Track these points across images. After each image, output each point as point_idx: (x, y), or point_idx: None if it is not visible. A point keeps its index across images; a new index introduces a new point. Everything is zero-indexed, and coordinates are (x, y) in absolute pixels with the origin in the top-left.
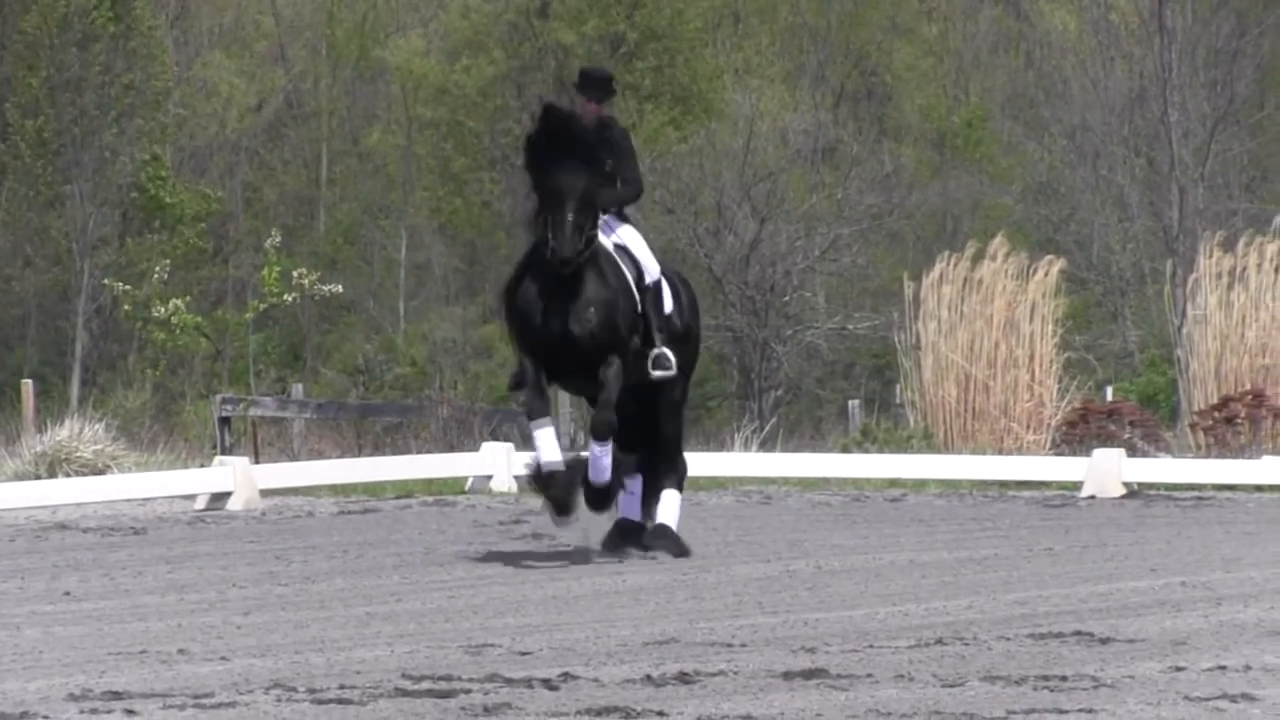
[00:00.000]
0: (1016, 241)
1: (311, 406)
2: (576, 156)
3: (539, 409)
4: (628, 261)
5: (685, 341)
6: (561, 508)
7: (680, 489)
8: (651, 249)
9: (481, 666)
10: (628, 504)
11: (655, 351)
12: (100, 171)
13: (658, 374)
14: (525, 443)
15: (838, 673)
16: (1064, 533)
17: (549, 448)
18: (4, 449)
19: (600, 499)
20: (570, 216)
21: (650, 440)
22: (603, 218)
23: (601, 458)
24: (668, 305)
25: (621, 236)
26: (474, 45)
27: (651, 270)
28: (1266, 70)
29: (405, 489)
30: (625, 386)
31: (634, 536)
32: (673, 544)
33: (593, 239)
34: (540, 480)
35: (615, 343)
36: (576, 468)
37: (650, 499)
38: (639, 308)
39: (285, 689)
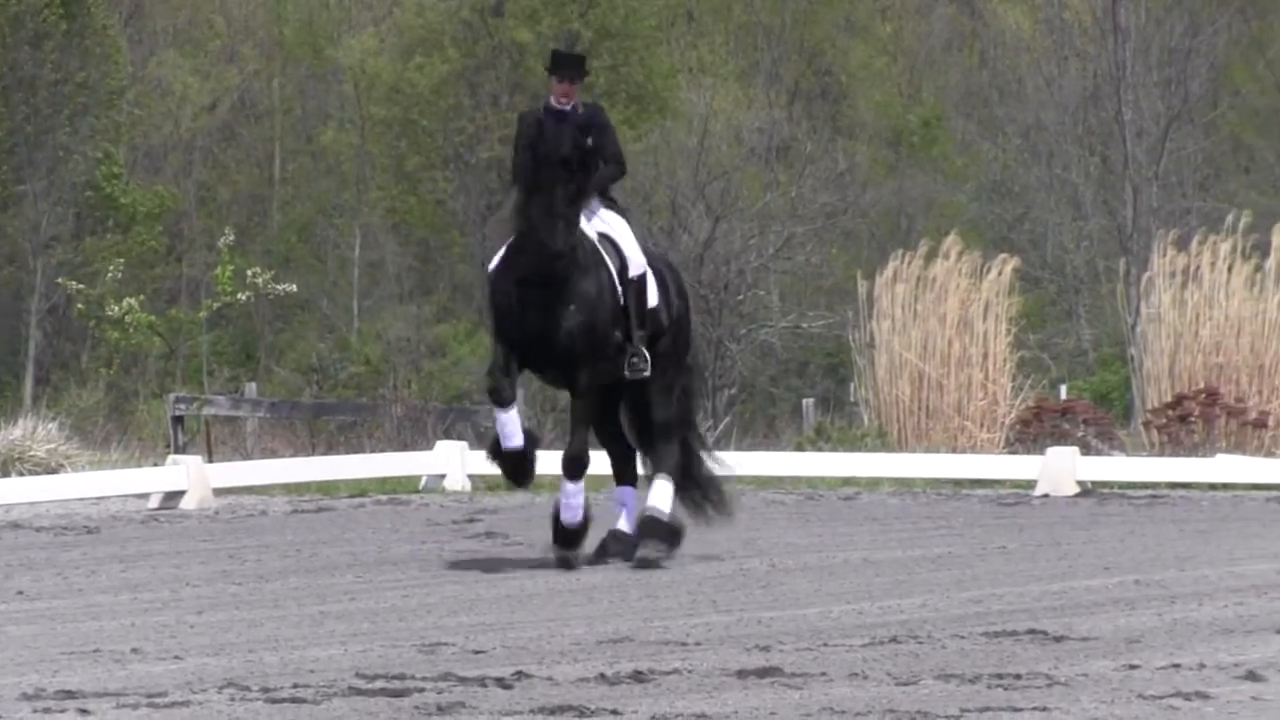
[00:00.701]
0: (970, 240)
1: (265, 405)
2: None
3: (505, 396)
4: (612, 252)
5: (677, 330)
6: (520, 481)
7: (672, 476)
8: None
9: (435, 665)
10: (622, 516)
11: (631, 353)
12: (54, 170)
13: (631, 375)
14: (479, 442)
15: (792, 671)
16: (1018, 531)
17: (513, 433)
18: None
19: (570, 539)
20: (560, 206)
21: (644, 427)
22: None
23: (574, 496)
24: (653, 298)
25: (606, 222)
26: (428, 44)
27: (636, 262)
28: (1220, 69)
29: (359, 488)
30: (606, 383)
31: (625, 547)
32: (663, 536)
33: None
34: (500, 456)
35: (595, 343)
36: (532, 445)
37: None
38: (621, 301)
39: (239, 688)
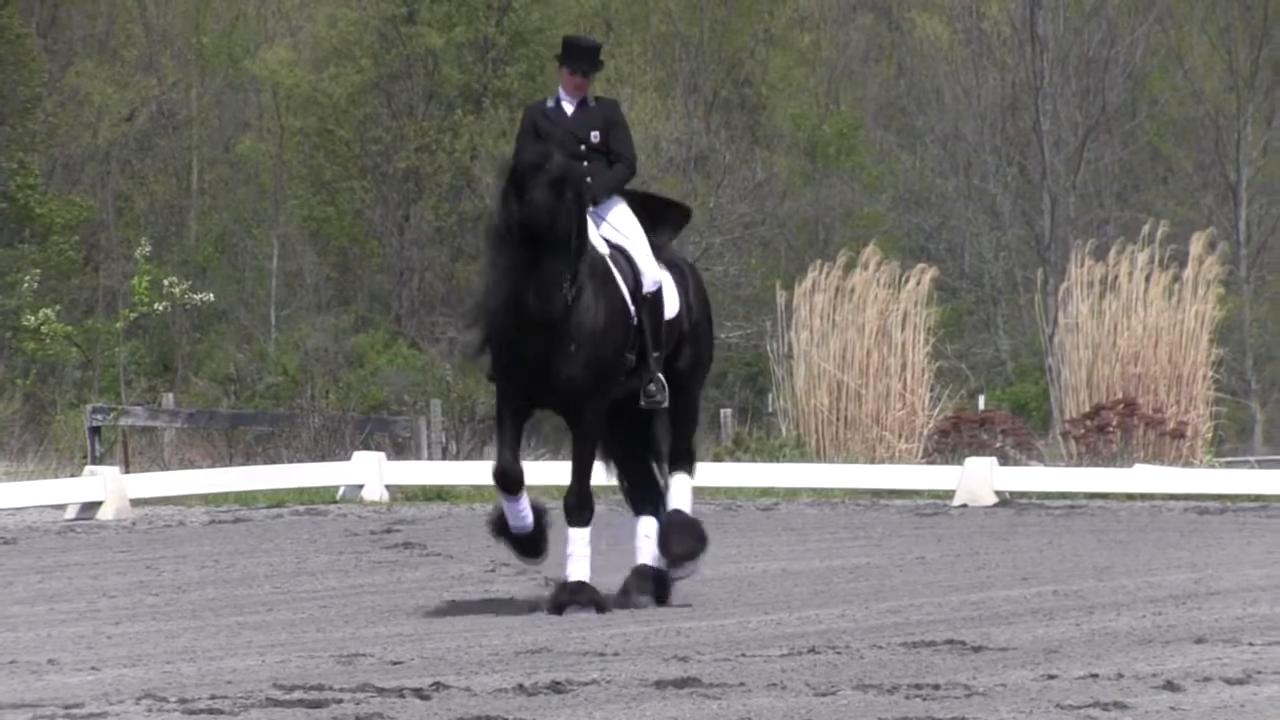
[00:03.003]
0: (888, 250)
1: (182, 416)
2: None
3: (515, 482)
4: (624, 267)
5: (695, 339)
6: (532, 555)
7: (692, 474)
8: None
9: (353, 676)
10: (645, 548)
11: (647, 379)
12: None
13: (647, 406)
14: (397, 452)
15: (710, 681)
16: (936, 541)
17: (523, 516)
18: None
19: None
20: (555, 267)
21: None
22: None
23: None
24: (671, 308)
25: (616, 226)
26: (341, 54)
27: (651, 274)
28: (1138, 79)
29: (277, 498)
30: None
31: (655, 585)
32: (690, 541)
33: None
34: (507, 536)
35: (601, 381)
36: (542, 526)
37: (653, 495)
38: (634, 320)
39: (156, 699)
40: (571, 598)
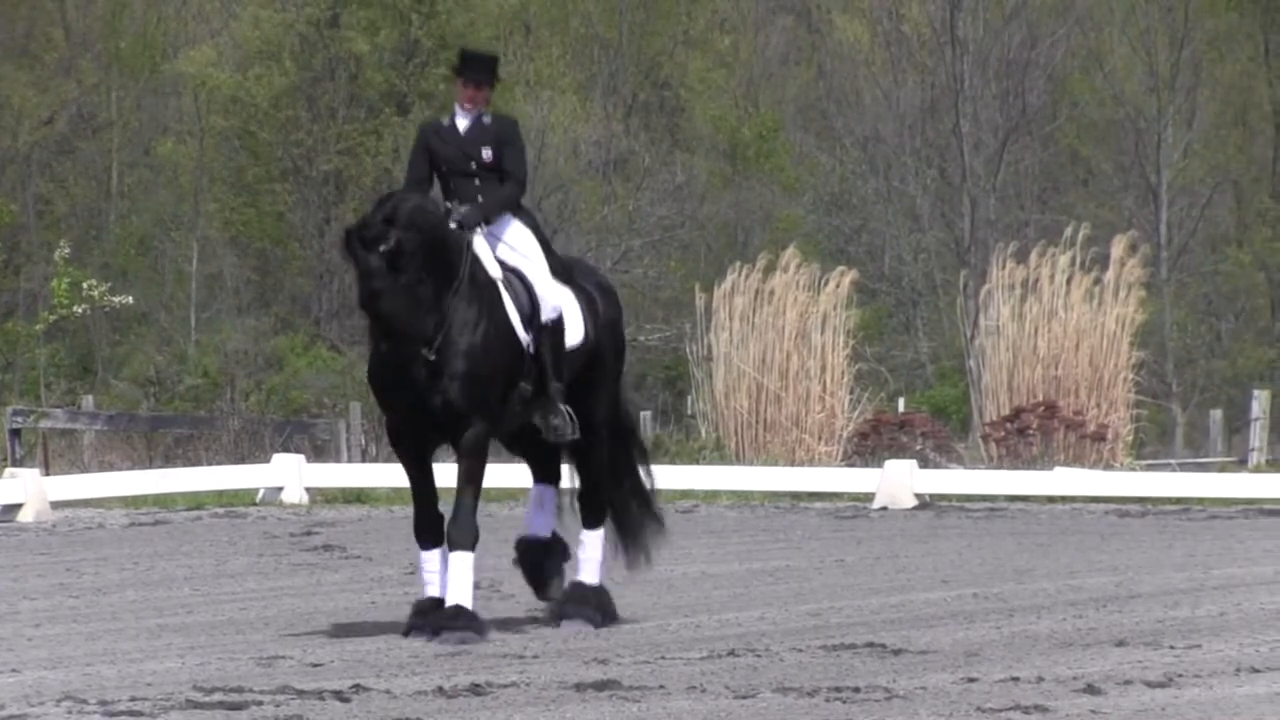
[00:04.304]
0: (808, 252)
1: (102, 418)
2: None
3: (425, 531)
4: (519, 290)
5: (603, 375)
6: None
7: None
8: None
9: (273, 678)
10: (537, 520)
11: (550, 412)
12: None
13: (554, 440)
14: (316, 454)
15: (630, 684)
16: (856, 544)
17: (431, 582)
18: None
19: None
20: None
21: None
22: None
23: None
24: (574, 336)
25: (513, 247)
26: (265, 55)
27: (550, 300)
28: (1058, 81)
29: (196, 500)
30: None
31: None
32: (597, 610)
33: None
34: (423, 612)
35: (480, 402)
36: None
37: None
38: (529, 349)
39: (77, 701)
40: (448, 623)
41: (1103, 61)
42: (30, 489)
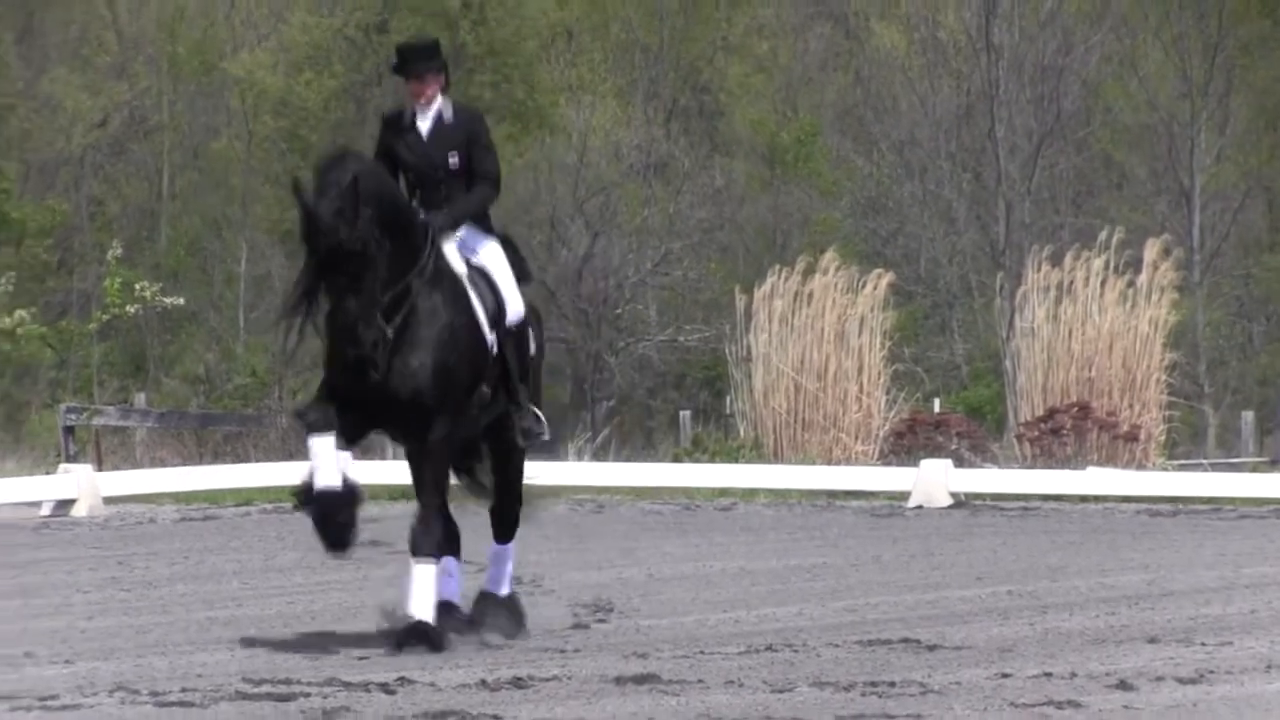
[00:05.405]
0: (846, 255)
1: (154, 416)
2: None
3: (321, 421)
4: (484, 290)
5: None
6: (334, 541)
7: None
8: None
9: (320, 670)
10: (447, 585)
11: (518, 414)
12: None
13: (526, 443)
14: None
15: (669, 678)
16: (892, 542)
17: (326, 467)
18: None
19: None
20: (361, 301)
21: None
22: (459, 233)
23: (421, 577)
24: (531, 347)
25: (482, 258)
26: (315, 60)
27: (514, 307)
28: (1092, 86)
29: (245, 496)
30: (472, 434)
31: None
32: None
33: (409, 286)
34: (310, 503)
35: (445, 403)
36: (355, 495)
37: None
38: (493, 350)
39: (129, 691)
40: (406, 639)
41: (1136, 67)
42: (83, 485)
